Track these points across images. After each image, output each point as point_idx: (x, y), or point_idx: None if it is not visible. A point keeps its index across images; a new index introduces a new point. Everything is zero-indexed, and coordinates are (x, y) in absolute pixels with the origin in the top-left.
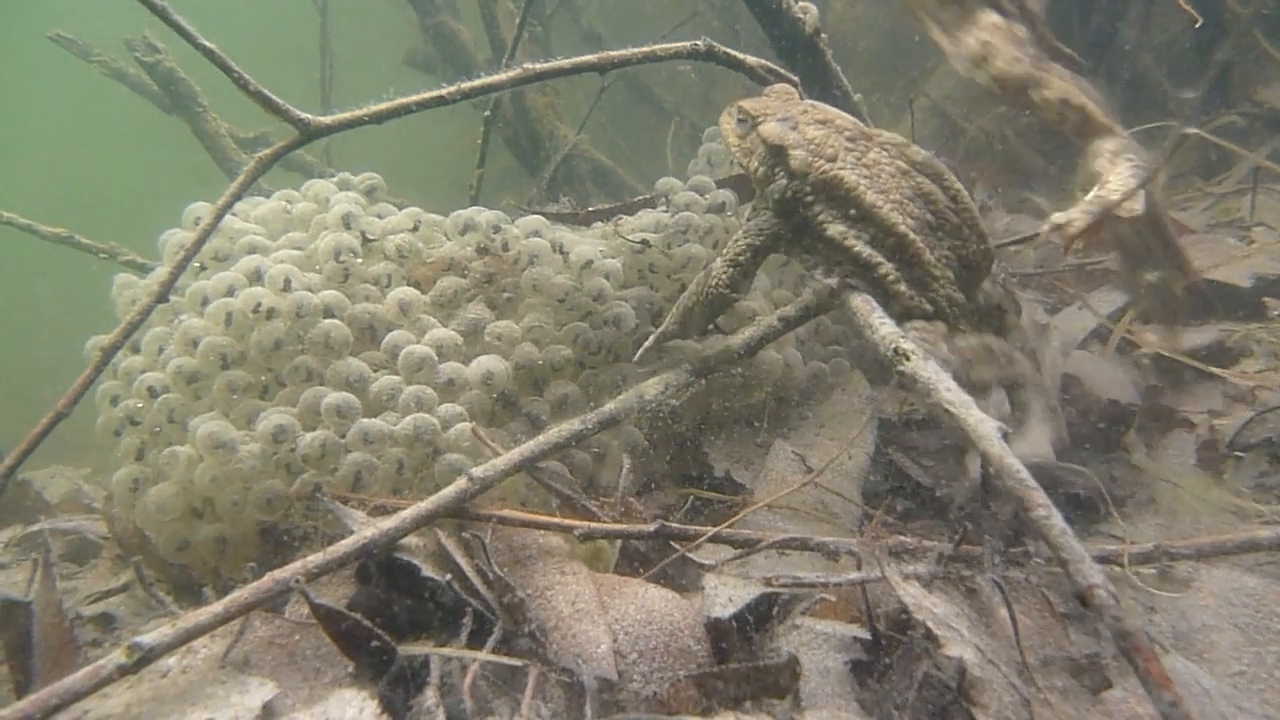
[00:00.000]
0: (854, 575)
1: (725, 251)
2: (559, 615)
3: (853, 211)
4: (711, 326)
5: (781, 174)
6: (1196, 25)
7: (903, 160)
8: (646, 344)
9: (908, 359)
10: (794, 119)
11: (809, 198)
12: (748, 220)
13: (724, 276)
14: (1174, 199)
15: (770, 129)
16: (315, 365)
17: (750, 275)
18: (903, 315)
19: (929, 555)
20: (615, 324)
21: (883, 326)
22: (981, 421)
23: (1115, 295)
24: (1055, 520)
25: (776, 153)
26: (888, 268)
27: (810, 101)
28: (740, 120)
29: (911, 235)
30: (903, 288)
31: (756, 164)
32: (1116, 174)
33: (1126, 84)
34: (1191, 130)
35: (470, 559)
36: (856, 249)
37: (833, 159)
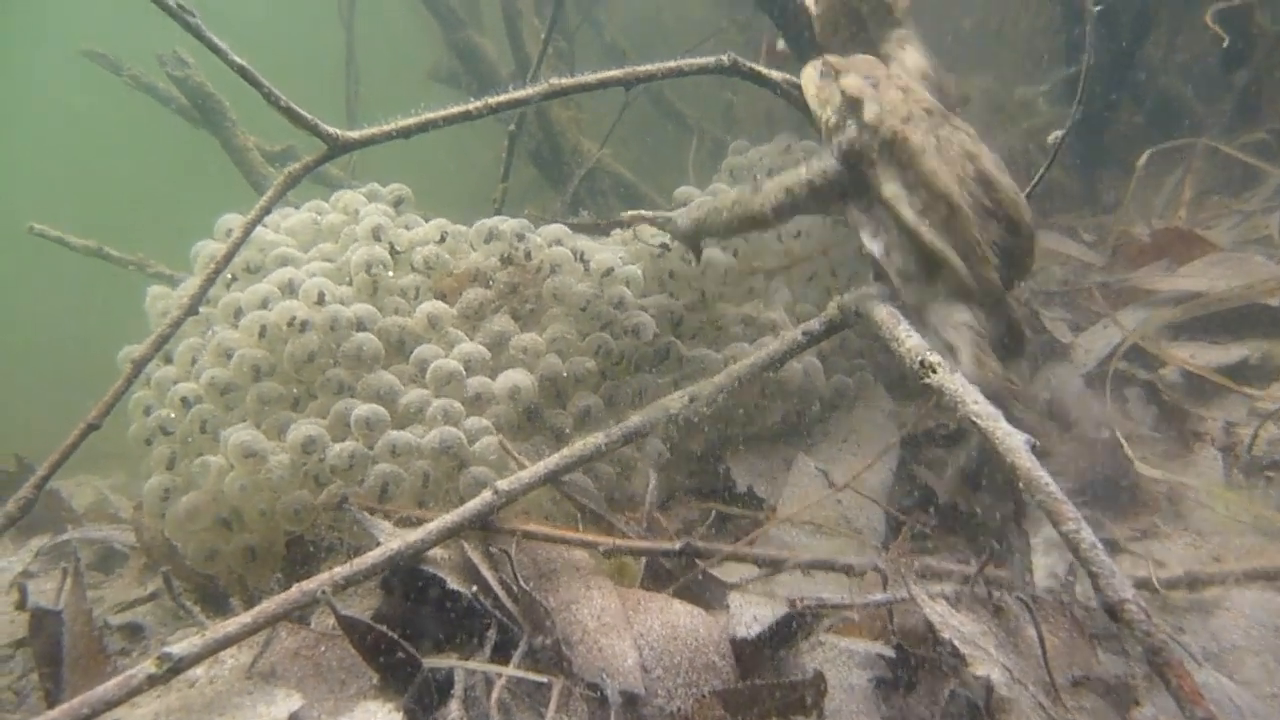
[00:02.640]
0: (880, 596)
1: (780, 178)
2: (584, 629)
3: (911, 175)
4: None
5: (853, 124)
6: (1224, 45)
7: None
8: (649, 214)
9: (934, 371)
10: (878, 79)
11: (874, 153)
12: (810, 162)
13: (772, 198)
14: (1201, 216)
15: (851, 81)
16: (347, 378)
17: (796, 210)
18: (947, 292)
19: (955, 575)
20: (635, 333)
21: (909, 339)
22: (1010, 434)
23: (1142, 313)
24: (1085, 534)
25: (852, 104)
26: (931, 236)
27: (898, 71)
28: (823, 72)
29: (965, 208)
30: (954, 257)
31: (830, 112)
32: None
33: (1151, 102)
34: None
35: (495, 572)
36: (904, 214)
37: (905, 120)
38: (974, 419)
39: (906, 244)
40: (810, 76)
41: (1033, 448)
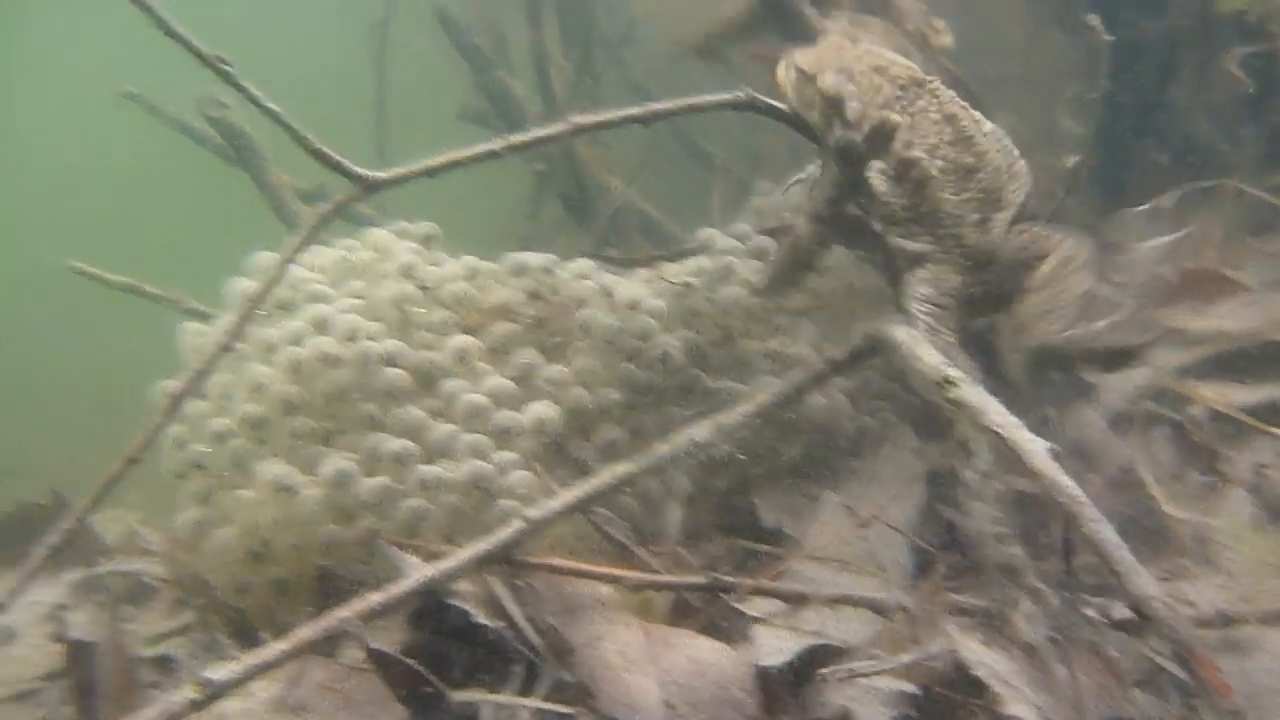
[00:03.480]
0: (909, 657)
1: (804, 209)
2: (608, 664)
3: (889, 151)
4: None
5: (839, 125)
6: (1249, 89)
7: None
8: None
9: (956, 385)
10: (849, 69)
11: (862, 147)
12: (819, 177)
13: (809, 231)
14: (1228, 257)
15: (828, 81)
16: (377, 413)
17: (830, 230)
18: (905, 260)
19: (982, 612)
20: (663, 362)
21: (929, 357)
22: (1031, 440)
23: (1169, 352)
24: (1108, 533)
25: (833, 103)
26: (894, 206)
27: (866, 46)
28: (798, 74)
29: (934, 173)
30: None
31: (816, 115)
32: None
33: (1176, 143)
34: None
35: (520, 606)
36: (875, 183)
37: (884, 106)
38: (995, 429)
39: (878, 213)
40: (786, 82)
41: (1054, 454)
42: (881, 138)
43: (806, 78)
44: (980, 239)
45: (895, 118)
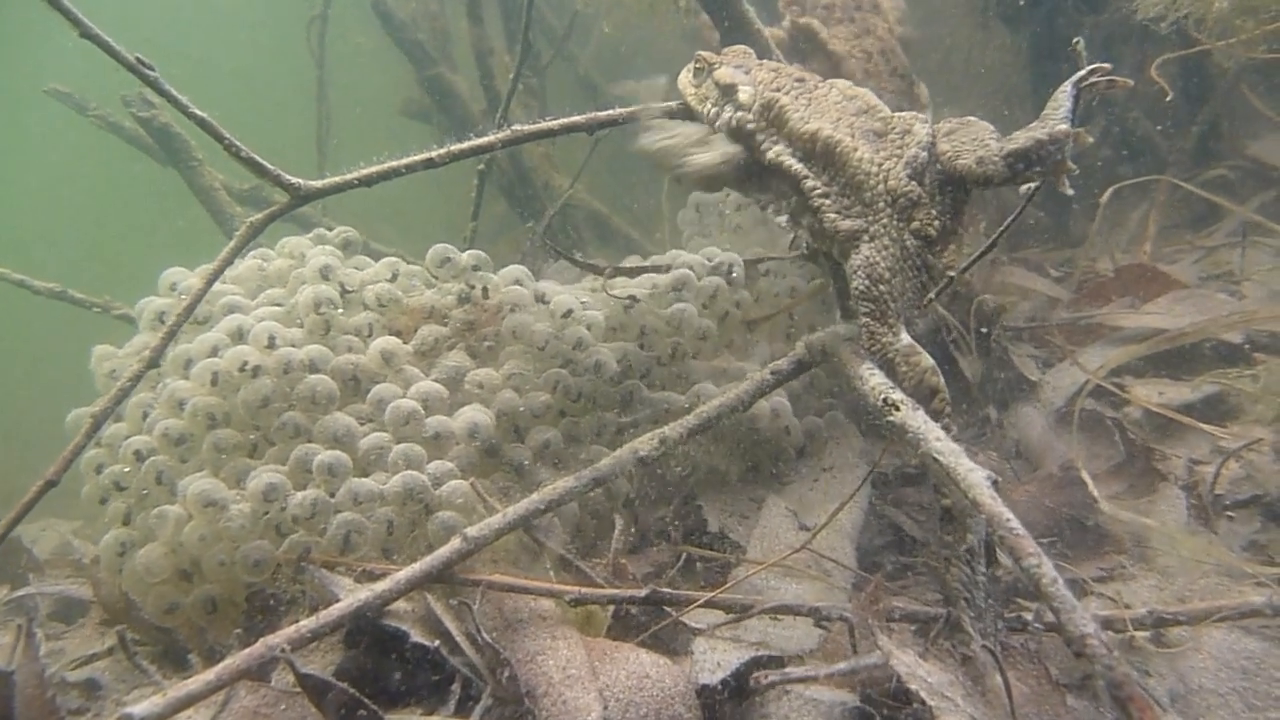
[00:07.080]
0: (844, 665)
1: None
2: (549, 681)
3: (787, 130)
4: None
5: (730, 107)
6: (1167, 98)
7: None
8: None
9: (897, 409)
10: (748, 66)
11: (750, 125)
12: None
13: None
14: (1164, 251)
15: (724, 72)
16: (303, 421)
17: (724, 181)
18: (831, 235)
19: (923, 617)
20: (596, 370)
21: (872, 377)
22: (971, 470)
23: (1107, 349)
24: (1046, 569)
25: (727, 91)
26: (813, 183)
27: (770, 61)
28: (697, 70)
29: (836, 136)
30: (827, 202)
31: (710, 106)
32: None
33: (1116, 137)
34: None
35: (459, 624)
36: (787, 164)
37: (776, 90)
38: (935, 456)
39: (804, 202)
40: (685, 80)
41: (994, 484)
42: (774, 116)
43: (706, 71)
44: (902, 185)
45: (785, 98)
